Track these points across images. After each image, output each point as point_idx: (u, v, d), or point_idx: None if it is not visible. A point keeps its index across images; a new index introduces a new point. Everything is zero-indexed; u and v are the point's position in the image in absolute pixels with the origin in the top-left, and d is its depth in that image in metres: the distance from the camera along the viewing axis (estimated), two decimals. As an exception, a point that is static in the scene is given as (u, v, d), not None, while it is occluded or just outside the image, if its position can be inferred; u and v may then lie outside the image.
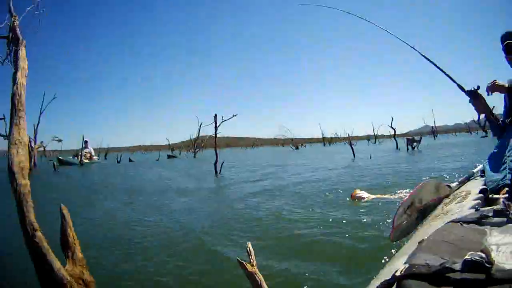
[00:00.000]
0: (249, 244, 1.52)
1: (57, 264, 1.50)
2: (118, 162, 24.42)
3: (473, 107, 1.94)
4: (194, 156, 32.46)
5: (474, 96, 1.89)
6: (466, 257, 0.61)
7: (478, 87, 1.88)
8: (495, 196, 1.32)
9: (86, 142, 21.94)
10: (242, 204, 5.09)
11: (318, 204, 4.65)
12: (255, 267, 1.40)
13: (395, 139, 23.82)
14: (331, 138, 67.89)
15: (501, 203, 0.94)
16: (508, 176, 1.41)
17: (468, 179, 1.85)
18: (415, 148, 18.77)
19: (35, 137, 19.94)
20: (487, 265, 0.60)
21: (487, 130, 33.56)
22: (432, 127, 51.97)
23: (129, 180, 10.95)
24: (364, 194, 4.78)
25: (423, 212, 1.38)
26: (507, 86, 1.85)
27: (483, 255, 0.61)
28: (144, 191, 7.34)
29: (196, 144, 35.25)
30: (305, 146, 58.60)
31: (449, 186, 1.59)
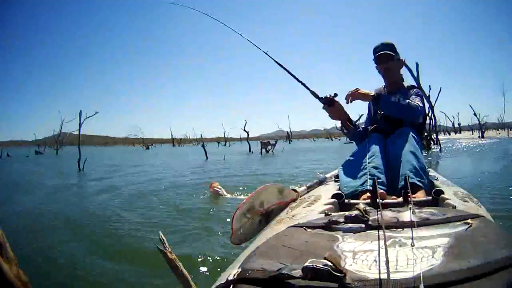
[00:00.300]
0: (161, 233, 1.40)
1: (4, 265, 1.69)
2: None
3: (328, 114, 1.96)
4: (57, 153, 31.10)
5: (329, 103, 1.90)
6: (307, 263, 0.59)
7: (336, 95, 1.88)
8: (352, 201, 1.29)
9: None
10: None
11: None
12: (173, 254, 1.38)
13: (248, 142, 23.59)
14: (180, 139, 68.50)
15: (359, 209, 0.90)
16: (369, 182, 1.43)
17: (319, 184, 1.83)
18: (270, 151, 18.79)
19: None
20: (335, 273, 0.58)
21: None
22: (287, 131, 52.30)
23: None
24: (221, 191, 4.68)
25: (267, 216, 1.34)
26: (372, 94, 1.85)
27: (328, 262, 0.58)
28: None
29: (58, 141, 33.88)
30: (155, 146, 59.19)
31: (295, 191, 1.57)
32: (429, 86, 16.98)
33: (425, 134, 18.63)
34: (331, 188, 1.57)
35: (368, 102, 1.97)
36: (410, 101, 1.89)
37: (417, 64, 15.39)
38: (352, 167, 1.62)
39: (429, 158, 11.69)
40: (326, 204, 1.19)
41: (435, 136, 17.94)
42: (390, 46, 2.05)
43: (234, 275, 0.65)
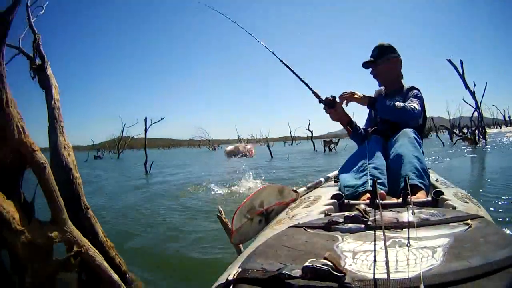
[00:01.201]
0: (219, 207, 2.13)
1: (100, 232, 1.95)
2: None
3: (329, 115, 1.93)
4: (118, 157, 30.09)
5: (329, 105, 1.87)
6: (307, 263, 0.58)
7: (335, 97, 1.86)
8: (351, 202, 1.28)
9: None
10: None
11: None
12: (226, 219, 2.09)
13: (312, 140, 23.74)
14: (247, 139, 65.90)
15: (359, 209, 0.88)
16: (370, 182, 1.39)
17: (318, 184, 1.80)
18: (332, 149, 19.28)
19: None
20: (335, 273, 0.57)
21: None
22: None
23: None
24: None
25: (267, 216, 1.35)
26: (368, 97, 1.82)
27: (328, 262, 0.57)
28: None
29: (119, 145, 32.71)
30: (221, 147, 55.20)
31: (295, 191, 1.55)
32: (474, 82, 17.20)
33: (473, 128, 18.72)
34: (331, 189, 1.55)
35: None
36: (406, 104, 1.80)
37: (461, 61, 15.95)
38: (352, 168, 1.58)
39: (474, 155, 11.62)
40: (326, 205, 1.18)
41: (480, 131, 18.22)
42: (377, 50, 2.02)
43: (234, 275, 0.63)
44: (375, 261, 0.65)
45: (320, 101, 1.87)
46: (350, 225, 0.85)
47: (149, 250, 3.03)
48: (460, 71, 16.16)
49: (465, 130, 21.71)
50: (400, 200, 1.17)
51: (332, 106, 1.86)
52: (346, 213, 0.92)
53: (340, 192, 1.31)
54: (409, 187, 1.05)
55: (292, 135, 51.05)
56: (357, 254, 0.69)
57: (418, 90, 1.98)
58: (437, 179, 1.73)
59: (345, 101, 1.83)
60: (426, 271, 0.60)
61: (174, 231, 3.63)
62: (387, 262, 0.60)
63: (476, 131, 18.37)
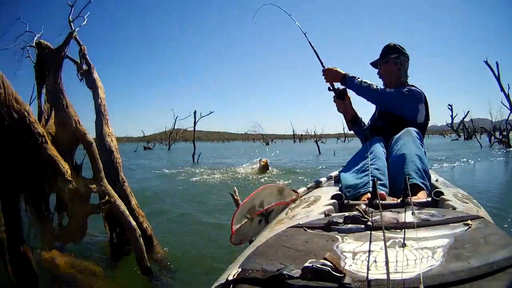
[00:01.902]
0: (235, 188, 2.35)
1: (133, 201, 2.42)
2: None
3: (336, 105, 1.98)
4: (169, 149, 30.73)
5: (339, 96, 1.92)
6: (307, 264, 0.59)
7: (346, 89, 1.90)
8: (351, 202, 1.26)
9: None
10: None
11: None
12: (238, 197, 2.37)
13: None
14: (301, 135, 63.25)
15: (359, 209, 0.89)
16: (371, 183, 1.37)
17: (319, 185, 1.76)
18: None
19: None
20: (335, 273, 0.57)
21: (461, 134, 34.23)
22: None
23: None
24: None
25: (267, 217, 1.33)
26: (342, 74, 1.84)
27: (327, 262, 0.58)
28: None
29: (170, 137, 33.15)
30: (275, 142, 56.98)
31: (295, 191, 1.53)
32: (508, 85, 17.26)
33: (508, 131, 18.28)
34: (331, 189, 1.54)
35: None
36: (374, 83, 1.78)
37: (497, 64, 16.10)
38: (353, 169, 1.56)
39: (502, 158, 11.40)
40: (326, 205, 1.18)
41: None
42: (382, 50, 2.01)
43: (234, 275, 0.64)
44: (375, 261, 0.65)
45: (331, 89, 1.93)
46: (350, 225, 0.85)
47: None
48: (496, 73, 16.30)
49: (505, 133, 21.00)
50: (400, 200, 1.15)
51: (342, 98, 1.93)
52: (346, 214, 0.91)
53: (340, 193, 1.31)
54: (409, 188, 1.04)
55: (345, 132, 49.96)
56: (357, 254, 0.70)
57: (417, 88, 1.89)
58: (437, 179, 1.72)
59: (325, 79, 1.89)
60: (425, 272, 0.60)
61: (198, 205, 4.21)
62: (386, 263, 0.60)
63: (510, 134, 18.24)
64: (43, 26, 3.61)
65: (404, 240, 0.74)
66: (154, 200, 4.77)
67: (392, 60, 1.97)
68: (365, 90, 1.80)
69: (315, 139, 20.41)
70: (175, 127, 31.32)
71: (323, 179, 1.87)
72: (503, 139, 18.31)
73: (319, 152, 17.17)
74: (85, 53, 2.71)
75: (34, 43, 3.10)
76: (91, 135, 2.20)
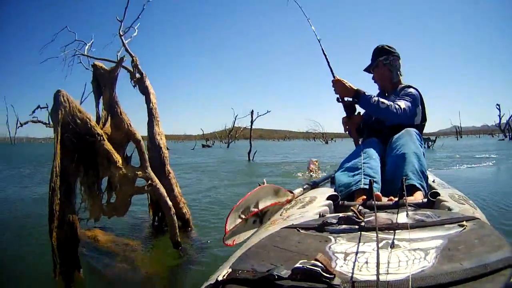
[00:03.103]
0: (264, 180, 1.92)
1: (176, 189, 2.74)
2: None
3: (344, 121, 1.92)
4: (228, 147, 30.16)
5: (350, 109, 1.87)
6: (297, 264, 0.59)
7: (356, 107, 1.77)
8: (347, 202, 1.25)
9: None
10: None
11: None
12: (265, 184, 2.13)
13: None
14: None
15: (354, 210, 0.89)
16: (363, 180, 1.39)
17: (314, 185, 1.72)
18: (430, 147, 19.31)
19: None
20: (325, 274, 0.58)
21: (507, 134, 31.44)
22: (455, 127, 48.41)
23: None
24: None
25: (262, 217, 1.33)
26: (354, 89, 1.76)
27: (318, 263, 0.59)
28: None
29: (230, 135, 33.05)
30: (335, 141, 53.10)
31: (291, 192, 1.50)
32: None
33: None
34: (327, 190, 1.49)
35: None
36: (391, 103, 1.65)
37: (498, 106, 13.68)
38: (347, 167, 1.53)
39: None
40: (321, 206, 1.16)
41: None
42: (374, 54, 1.97)
43: (224, 275, 0.64)
44: (366, 262, 0.65)
45: (339, 101, 1.84)
46: (343, 226, 0.84)
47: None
48: (498, 114, 14.34)
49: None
50: (396, 201, 1.12)
51: (353, 111, 1.87)
52: (341, 214, 0.89)
53: (335, 193, 1.29)
54: (405, 188, 1.01)
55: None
56: (348, 255, 0.68)
57: (415, 89, 1.82)
58: (434, 180, 1.67)
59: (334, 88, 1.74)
60: (417, 273, 0.59)
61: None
62: (377, 264, 0.60)
63: None
64: (93, 35, 3.93)
65: (396, 241, 0.73)
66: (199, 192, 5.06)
67: (382, 62, 1.91)
68: (383, 112, 1.66)
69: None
70: (235, 125, 30.61)
71: (319, 180, 1.85)
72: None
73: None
74: (137, 63, 2.95)
75: (85, 52, 3.63)
76: (143, 133, 2.61)
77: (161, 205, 2.47)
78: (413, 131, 1.59)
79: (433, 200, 1.16)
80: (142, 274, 1.99)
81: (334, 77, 1.77)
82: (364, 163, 1.49)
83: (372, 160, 1.51)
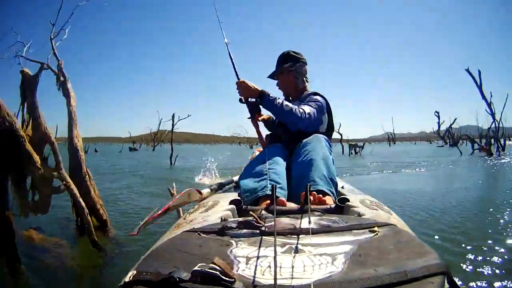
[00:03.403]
0: (174, 184, 2.82)
1: (93, 190, 3.10)
2: (86, 152, 23.86)
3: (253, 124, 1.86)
4: (153, 150, 29.68)
5: (255, 109, 1.83)
6: (196, 268, 0.60)
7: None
8: (250, 207, 1.26)
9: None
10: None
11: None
12: (175, 192, 3.10)
13: (341, 143, 23.41)
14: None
15: (254, 214, 0.90)
16: (269, 187, 1.39)
17: (220, 188, 1.73)
18: (358, 153, 19.97)
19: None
20: (223, 277, 0.59)
21: (447, 141, 31.92)
22: (388, 134, 48.46)
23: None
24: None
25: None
26: (259, 90, 1.74)
27: (216, 267, 0.60)
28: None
29: (155, 138, 32.35)
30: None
31: (200, 192, 1.51)
32: (491, 93, 16.29)
33: (491, 139, 17.03)
34: (230, 195, 1.46)
35: None
36: (296, 107, 1.60)
37: (479, 72, 15.40)
38: (251, 174, 1.48)
39: (494, 163, 10.62)
40: (224, 210, 1.15)
41: (498, 142, 17.81)
42: (279, 60, 1.91)
43: (130, 277, 0.63)
44: (269, 267, 0.65)
45: (243, 102, 1.75)
46: (245, 230, 0.84)
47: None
48: (478, 81, 15.70)
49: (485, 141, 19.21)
50: (301, 206, 1.10)
51: (258, 110, 1.81)
52: (241, 219, 0.90)
53: (239, 198, 1.28)
54: (312, 193, 0.96)
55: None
56: (250, 259, 0.68)
57: (322, 96, 1.79)
58: (343, 186, 1.66)
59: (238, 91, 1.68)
60: (324, 278, 0.59)
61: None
62: (275, 269, 0.61)
63: (492, 141, 17.75)
64: (31, 40, 3.98)
65: (300, 245, 0.72)
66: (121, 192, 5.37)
67: (287, 69, 1.84)
68: (287, 115, 1.61)
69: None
70: (161, 129, 29.86)
71: (226, 181, 1.86)
72: (484, 147, 17.14)
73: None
74: (62, 67, 3.11)
75: (24, 53, 3.71)
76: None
77: (75, 204, 2.63)
78: (322, 137, 1.56)
79: (341, 206, 1.13)
80: (68, 267, 2.37)
81: (238, 78, 1.72)
82: (269, 168, 1.44)
83: (277, 165, 1.47)
